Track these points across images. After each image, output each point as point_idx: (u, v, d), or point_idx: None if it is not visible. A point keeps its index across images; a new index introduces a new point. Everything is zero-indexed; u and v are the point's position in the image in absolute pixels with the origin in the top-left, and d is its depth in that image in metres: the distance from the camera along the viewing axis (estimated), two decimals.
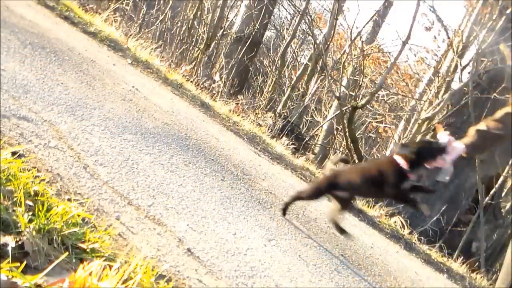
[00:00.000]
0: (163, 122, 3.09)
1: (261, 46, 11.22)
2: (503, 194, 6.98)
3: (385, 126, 10.96)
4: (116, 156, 2.15)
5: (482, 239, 5.93)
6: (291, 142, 5.66)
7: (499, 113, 3.02)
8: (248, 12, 9.40)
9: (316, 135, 10.08)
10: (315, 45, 8.40)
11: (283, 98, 9.03)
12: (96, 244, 1.37)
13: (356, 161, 6.88)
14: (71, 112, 2.33)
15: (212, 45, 8.55)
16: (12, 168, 1.45)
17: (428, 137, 6.68)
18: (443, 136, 2.92)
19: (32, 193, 1.43)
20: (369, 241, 3.50)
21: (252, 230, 2.28)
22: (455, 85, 6.97)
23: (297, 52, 12.65)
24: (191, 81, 5.29)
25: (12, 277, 1.06)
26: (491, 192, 6.04)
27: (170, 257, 1.62)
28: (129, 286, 1.24)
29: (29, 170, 1.57)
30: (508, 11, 6.09)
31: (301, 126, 9.53)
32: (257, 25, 9.27)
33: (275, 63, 10.53)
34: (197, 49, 8.42)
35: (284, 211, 2.75)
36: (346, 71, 8.93)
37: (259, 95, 9.58)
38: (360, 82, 7.97)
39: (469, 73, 6.57)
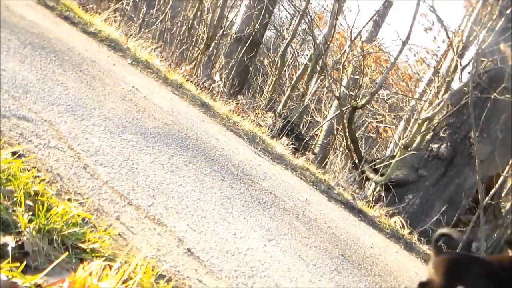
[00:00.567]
0: (163, 122, 3.09)
1: (261, 46, 11.21)
2: (503, 194, 6.98)
3: (385, 126, 10.96)
4: (116, 156, 2.15)
5: (482, 239, 5.93)
6: (291, 142, 5.66)
7: None
8: (248, 12, 9.40)
9: (316, 135, 10.07)
10: (315, 45, 8.40)
11: (283, 98, 9.02)
12: (96, 244, 1.37)
13: (356, 161, 6.88)
14: (71, 112, 2.33)
15: (212, 45, 8.54)
16: (12, 168, 1.45)
17: (428, 137, 6.69)
18: None
19: (32, 193, 1.43)
20: (369, 241, 3.50)
21: (252, 230, 2.28)
22: (455, 85, 6.98)
23: (297, 52, 12.64)
24: (191, 81, 5.29)
25: (12, 277, 1.06)
26: (491, 192, 6.04)
27: (170, 257, 1.62)
28: (129, 286, 1.24)
29: (29, 170, 1.57)
30: (508, 11, 6.09)
31: (301, 126, 9.52)
32: (257, 25, 9.27)
33: (275, 63, 10.53)
34: (197, 49, 8.42)
35: None
36: (346, 71, 8.93)
37: (259, 95, 9.58)
38: (360, 82, 7.96)
39: (469, 73, 6.57)
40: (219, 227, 2.08)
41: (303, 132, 8.41)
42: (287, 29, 12.36)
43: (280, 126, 6.09)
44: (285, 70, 10.27)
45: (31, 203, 1.37)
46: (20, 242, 1.20)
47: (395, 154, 6.60)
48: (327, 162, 8.98)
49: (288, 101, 8.72)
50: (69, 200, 1.56)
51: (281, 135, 5.82)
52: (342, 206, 4.17)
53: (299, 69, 9.85)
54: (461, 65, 6.69)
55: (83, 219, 1.47)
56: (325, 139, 10.04)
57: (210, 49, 8.55)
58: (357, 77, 8.70)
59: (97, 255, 1.34)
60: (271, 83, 9.75)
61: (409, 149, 6.43)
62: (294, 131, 6.57)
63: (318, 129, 9.89)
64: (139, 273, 1.31)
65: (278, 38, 13.78)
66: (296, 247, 2.41)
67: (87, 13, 4.96)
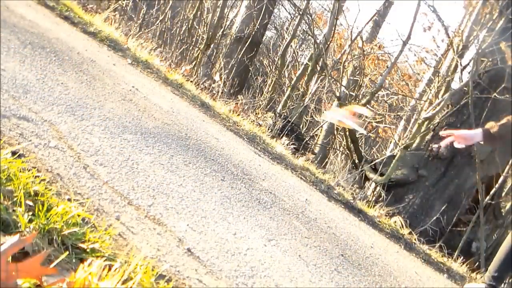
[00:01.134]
0: (163, 122, 3.09)
1: (261, 46, 11.21)
2: (503, 194, 6.98)
3: (385, 126, 10.96)
4: (116, 156, 2.15)
5: (482, 239, 5.93)
6: (291, 142, 5.66)
7: None
8: (248, 12, 9.40)
9: (316, 135, 10.07)
10: (315, 45, 8.40)
11: (283, 98, 9.02)
12: (96, 244, 1.37)
13: (356, 161, 6.88)
14: (71, 112, 2.33)
15: (212, 45, 8.54)
16: (12, 168, 1.45)
17: (428, 137, 6.69)
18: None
19: (32, 193, 1.43)
20: (369, 241, 3.50)
21: (252, 230, 2.28)
22: (455, 85, 6.98)
23: (297, 52, 12.64)
24: (191, 81, 5.29)
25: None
26: (491, 192, 6.04)
27: (170, 257, 1.62)
28: (129, 286, 1.24)
29: (29, 170, 1.57)
30: (508, 11, 6.09)
31: (301, 126, 9.52)
32: (257, 25, 9.27)
33: (275, 63, 10.53)
34: (197, 49, 8.42)
35: None
36: (346, 71, 8.92)
37: (259, 95, 9.58)
38: (360, 82, 7.97)
39: (469, 73, 6.57)
40: (219, 227, 2.08)
41: (303, 132, 8.41)
42: (287, 29, 12.36)
43: (280, 126, 6.09)
44: (285, 70, 10.27)
45: (31, 203, 1.37)
46: None
47: (395, 154, 6.60)
48: (327, 162, 8.98)
49: (288, 101, 8.72)
50: (69, 200, 1.56)
51: (281, 135, 5.83)
52: (342, 206, 4.17)
53: (299, 69, 9.85)
54: (461, 65, 6.69)
55: (83, 219, 1.47)
56: (325, 139, 10.04)
57: (210, 49, 8.55)
58: (357, 78, 8.70)
59: (97, 255, 1.34)
60: (271, 83, 9.75)
61: (409, 149, 6.43)
62: (294, 131, 6.57)
63: (318, 129, 9.89)
64: (139, 273, 1.31)
65: (278, 38, 13.78)
66: (296, 247, 2.41)
67: (87, 13, 4.97)
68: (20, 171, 1.47)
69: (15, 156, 1.60)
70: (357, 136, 7.54)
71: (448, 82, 7.07)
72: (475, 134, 3.09)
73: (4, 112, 1.90)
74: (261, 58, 12.58)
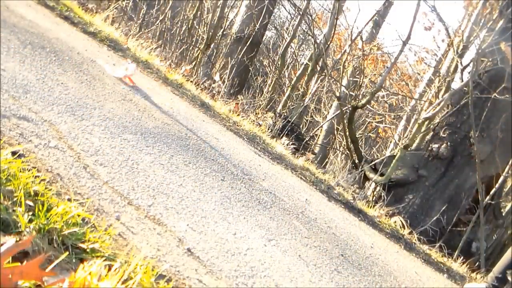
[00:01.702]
0: (163, 122, 3.09)
1: (261, 46, 11.21)
2: (503, 194, 6.98)
3: (385, 126, 10.96)
4: (116, 156, 2.15)
5: (482, 239, 5.93)
6: (291, 142, 5.66)
7: None
8: (248, 12, 9.40)
9: (316, 135, 10.08)
10: (315, 45, 8.40)
11: (283, 98, 9.02)
12: (96, 244, 1.37)
13: (356, 161, 6.88)
14: (71, 112, 2.33)
15: (212, 45, 8.54)
16: (12, 168, 1.45)
17: (428, 137, 6.69)
18: None
19: (32, 193, 1.43)
20: (369, 241, 3.50)
21: (252, 230, 2.28)
22: (455, 85, 6.98)
23: (297, 52, 12.64)
24: (191, 81, 5.29)
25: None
26: (491, 192, 6.04)
27: (170, 257, 1.62)
28: (129, 286, 1.24)
29: (29, 170, 1.57)
30: (508, 11, 6.09)
31: (301, 126, 9.52)
32: (257, 25, 9.27)
33: (275, 63, 10.53)
34: (197, 49, 8.42)
35: None
36: (346, 71, 8.93)
37: (259, 95, 9.58)
38: (360, 82, 7.97)
39: (469, 73, 6.57)
40: (219, 227, 2.08)
41: (303, 132, 8.40)
42: (287, 29, 12.36)
43: (280, 126, 6.09)
44: (285, 70, 10.27)
45: (31, 203, 1.37)
46: (20, 242, 1.20)
47: (395, 154, 6.60)
48: (327, 162, 8.98)
49: (288, 101, 8.72)
50: (69, 200, 1.56)
51: (281, 135, 5.82)
52: (342, 206, 4.17)
53: (299, 69, 9.85)
54: (461, 65, 6.69)
55: (83, 219, 1.47)
56: (325, 139, 10.05)
57: (210, 49, 8.55)
58: (357, 78, 8.70)
59: (97, 255, 1.34)
60: (271, 83, 9.75)
61: (409, 149, 6.43)
62: (294, 131, 6.57)
63: (318, 129, 9.89)
64: (139, 273, 1.31)
65: (278, 38, 13.78)
66: (296, 247, 2.41)
67: (87, 13, 4.97)
68: (20, 171, 1.47)
69: (15, 156, 1.60)
70: (357, 136, 7.55)
71: (448, 82, 7.07)
72: None
73: (4, 112, 1.90)
74: (261, 58, 12.59)
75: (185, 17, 9.46)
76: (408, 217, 5.76)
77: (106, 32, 4.60)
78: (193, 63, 7.79)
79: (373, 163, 6.78)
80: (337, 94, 7.29)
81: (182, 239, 1.78)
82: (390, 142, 10.07)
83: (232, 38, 9.64)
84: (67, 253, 1.27)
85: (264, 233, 2.32)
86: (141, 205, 1.85)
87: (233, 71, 8.46)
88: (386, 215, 4.87)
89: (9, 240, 1.08)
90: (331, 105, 10.62)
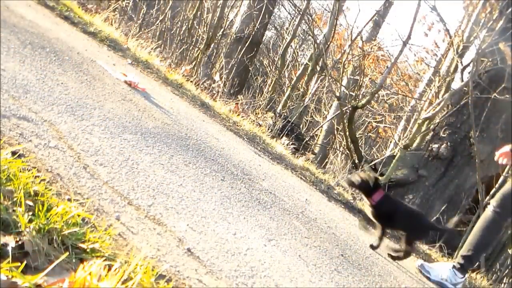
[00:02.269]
0: (163, 122, 3.09)
1: (261, 46, 11.21)
2: None
3: (385, 126, 10.96)
4: (116, 156, 2.15)
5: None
6: (291, 142, 5.66)
7: None
8: (248, 12, 9.40)
9: (316, 135, 10.08)
10: (315, 45, 8.40)
11: (283, 98, 9.02)
12: (96, 244, 1.37)
13: (356, 161, 6.88)
14: (71, 112, 2.33)
15: (212, 45, 8.54)
16: (12, 168, 1.45)
17: (428, 137, 6.69)
18: None
19: (32, 193, 1.43)
20: (369, 241, 3.50)
21: (252, 230, 2.28)
22: (455, 85, 6.98)
23: (297, 52, 12.64)
24: (191, 81, 5.29)
25: (12, 277, 1.06)
26: (491, 192, 6.04)
27: (170, 257, 1.62)
28: (129, 286, 1.24)
29: (29, 170, 1.57)
30: (508, 11, 6.09)
31: (301, 126, 9.52)
32: (257, 25, 9.27)
33: (275, 63, 10.53)
34: (197, 49, 8.42)
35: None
36: (346, 71, 8.92)
37: (259, 95, 9.57)
38: (360, 82, 7.97)
39: (469, 73, 6.57)
40: (219, 227, 2.08)
41: (303, 132, 8.41)
42: (287, 29, 12.36)
43: (280, 126, 6.09)
44: (285, 70, 10.27)
45: (31, 203, 1.37)
46: (20, 242, 1.20)
47: (395, 154, 6.60)
48: (327, 162, 8.98)
49: (288, 101, 8.72)
50: (69, 200, 1.56)
51: (281, 135, 5.82)
52: (342, 206, 4.17)
53: (299, 69, 9.85)
54: (461, 64, 6.69)
55: (83, 219, 1.47)
56: (325, 139, 10.05)
57: (210, 49, 8.55)
58: (357, 77, 8.70)
59: (97, 255, 1.34)
60: (271, 83, 9.75)
61: (409, 149, 6.43)
62: (294, 131, 6.57)
63: (318, 129, 9.89)
64: (139, 273, 1.31)
65: (278, 38, 13.78)
66: (296, 247, 2.41)
67: (87, 13, 4.97)
68: (20, 171, 1.47)
69: (15, 156, 1.60)
70: (357, 136, 7.54)
71: (448, 82, 7.07)
72: None
73: (4, 112, 1.90)
74: (261, 58, 12.59)
75: (185, 17, 9.46)
76: None
77: (106, 32, 4.60)
78: (193, 63, 7.79)
79: (373, 163, 6.78)
80: (337, 94, 7.29)
81: (182, 239, 1.78)
82: (390, 142, 10.07)
83: (232, 38, 9.64)
84: (67, 253, 1.27)
85: (264, 233, 2.32)
86: (141, 205, 1.85)
87: (233, 71, 8.46)
88: None
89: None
90: (331, 105, 10.62)
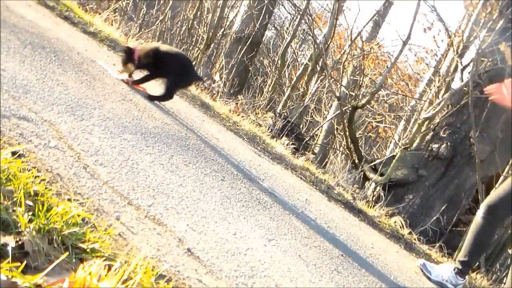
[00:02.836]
0: (163, 122, 3.09)
1: (261, 46, 11.22)
2: None
3: (385, 126, 10.96)
4: (116, 156, 2.15)
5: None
6: (291, 142, 5.66)
7: None
8: (248, 12, 9.41)
9: (316, 135, 10.08)
10: (315, 45, 8.40)
11: (283, 98, 9.03)
12: (96, 244, 1.37)
13: (356, 161, 6.88)
14: (71, 112, 2.33)
15: (212, 45, 8.54)
16: (12, 168, 1.45)
17: (428, 137, 6.69)
18: None
19: (32, 193, 1.43)
20: (369, 241, 3.50)
21: (252, 230, 2.28)
22: (455, 85, 6.97)
23: (297, 52, 12.65)
24: None
25: (12, 277, 1.06)
26: (491, 192, 6.03)
27: (170, 257, 1.62)
28: (129, 286, 1.24)
29: (29, 170, 1.57)
30: (508, 11, 6.09)
31: (301, 126, 9.52)
32: (257, 25, 9.27)
33: (275, 63, 10.53)
34: (197, 49, 8.42)
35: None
36: (346, 71, 8.92)
37: (259, 95, 9.58)
38: (360, 82, 7.97)
39: (469, 73, 6.57)
40: (219, 227, 2.08)
41: (303, 132, 8.41)
42: (287, 29, 12.36)
43: (280, 126, 6.09)
44: (285, 70, 10.27)
45: (31, 203, 1.37)
46: (20, 242, 1.20)
47: (395, 154, 6.60)
48: (327, 162, 8.98)
49: (288, 101, 8.72)
50: (69, 200, 1.56)
51: (281, 135, 5.82)
52: (342, 206, 4.17)
53: (299, 69, 9.85)
54: (461, 64, 6.69)
55: (83, 219, 1.47)
56: (325, 139, 10.04)
57: (210, 49, 8.55)
58: (357, 77, 8.70)
59: (97, 255, 1.34)
60: (271, 83, 9.75)
61: (409, 149, 6.43)
62: (294, 131, 6.57)
63: (318, 129, 9.89)
64: (139, 273, 1.31)
65: (278, 38, 13.79)
66: (296, 247, 2.41)
67: (87, 13, 4.97)
68: (20, 171, 1.47)
69: (15, 156, 1.60)
70: (357, 136, 7.55)
71: (448, 82, 7.07)
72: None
73: (4, 112, 1.90)
74: (261, 58, 12.59)
75: (185, 17, 9.46)
76: (408, 217, 5.75)
77: (106, 32, 4.60)
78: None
79: (373, 163, 6.78)
80: (337, 94, 7.29)
81: (182, 239, 1.78)
82: (390, 142, 10.07)
83: (232, 38, 9.65)
84: (67, 253, 1.27)
85: (264, 233, 2.32)
86: (141, 205, 1.86)
87: (233, 71, 8.46)
88: (386, 215, 4.87)
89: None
90: (331, 105, 10.62)
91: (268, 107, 8.31)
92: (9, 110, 1.95)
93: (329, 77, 7.73)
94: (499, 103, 3.17)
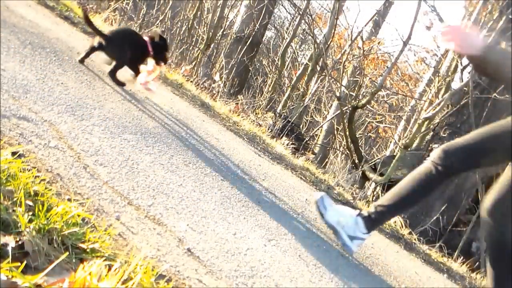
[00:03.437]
0: (163, 122, 3.09)
1: (261, 46, 11.22)
2: None
3: (385, 126, 10.96)
4: (116, 156, 2.15)
5: (482, 239, 5.92)
6: (291, 142, 5.66)
7: None
8: (248, 12, 9.41)
9: (316, 135, 10.08)
10: (315, 45, 8.40)
11: (283, 98, 9.03)
12: (96, 244, 1.37)
13: (356, 161, 6.88)
14: (71, 112, 2.33)
15: (212, 45, 8.54)
16: (12, 168, 1.45)
17: (428, 137, 6.69)
18: None
19: (32, 193, 1.43)
20: (369, 241, 3.50)
21: (252, 230, 2.28)
22: (455, 85, 6.97)
23: (297, 52, 12.65)
24: (191, 81, 5.29)
25: (12, 277, 1.06)
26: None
27: (170, 257, 1.62)
28: (129, 286, 1.24)
29: (29, 170, 1.57)
30: (508, 11, 6.09)
31: (301, 126, 9.53)
32: (257, 25, 9.27)
33: (275, 63, 10.53)
34: (197, 49, 8.42)
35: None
36: (346, 71, 8.93)
37: (259, 95, 9.58)
38: (360, 82, 7.97)
39: (469, 73, 6.57)
40: (219, 227, 2.08)
41: (303, 132, 8.41)
42: (287, 29, 12.37)
43: (280, 126, 6.09)
44: (285, 70, 10.27)
45: (31, 203, 1.37)
46: (20, 242, 1.20)
47: (395, 154, 6.60)
48: (327, 162, 8.98)
49: (288, 101, 8.73)
50: (69, 200, 1.56)
51: (281, 135, 5.83)
52: (342, 206, 4.16)
53: (299, 69, 9.85)
54: (461, 65, 6.69)
55: (83, 219, 1.47)
56: (325, 139, 10.05)
57: (210, 49, 8.55)
58: (357, 77, 8.70)
59: (97, 255, 1.34)
60: (271, 83, 9.75)
61: (409, 149, 6.43)
62: (294, 131, 6.58)
63: (318, 129, 9.90)
64: (139, 273, 1.31)
65: (278, 38, 13.79)
66: (296, 247, 2.41)
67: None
68: (20, 171, 1.47)
69: (15, 156, 1.60)
70: (357, 136, 7.55)
71: (448, 82, 7.07)
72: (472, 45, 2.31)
73: (4, 112, 1.90)
74: (261, 58, 12.59)
75: (185, 17, 9.46)
76: (408, 217, 5.75)
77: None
78: (193, 63, 7.80)
79: (373, 163, 6.78)
80: (337, 94, 7.30)
81: (182, 239, 1.78)
82: (390, 142, 10.07)
83: (232, 38, 9.65)
84: (67, 253, 1.27)
85: (264, 233, 2.32)
86: (141, 205, 1.86)
87: (233, 71, 8.46)
88: None
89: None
90: (331, 105, 10.63)
91: (268, 107, 8.32)
92: (9, 110, 1.95)
93: (329, 77, 7.73)
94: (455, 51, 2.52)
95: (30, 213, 1.32)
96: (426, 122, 6.65)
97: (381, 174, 6.38)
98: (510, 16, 6.01)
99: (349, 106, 6.96)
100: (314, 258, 2.41)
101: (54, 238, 1.29)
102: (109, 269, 1.25)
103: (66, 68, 2.97)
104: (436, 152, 2.66)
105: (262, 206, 2.69)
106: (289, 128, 6.28)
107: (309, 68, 8.86)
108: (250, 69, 10.28)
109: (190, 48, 8.71)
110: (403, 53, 8.29)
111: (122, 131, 2.48)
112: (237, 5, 10.23)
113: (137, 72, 3.44)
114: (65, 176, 1.73)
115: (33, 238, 1.22)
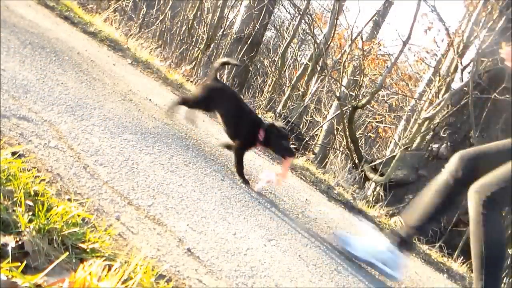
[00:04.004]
0: (163, 122, 3.09)
1: (261, 46, 11.22)
2: None
3: (385, 126, 10.96)
4: (116, 156, 2.15)
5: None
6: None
7: None
8: (248, 12, 9.40)
9: (316, 135, 10.08)
10: (315, 45, 8.40)
11: (283, 98, 9.03)
12: (96, 244, 1.37)
13: (356, 161, 6.89)
14: (71, 112, 2.33)
15: (212, 45, 8.55)
16: (12, 168, 1.45)
17: (428, 137, 6.70)
18: None
19: (32, 193, 1.43)
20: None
21: (252, 230, 2.28)
22: (455, 85, 6.98)
23: (297, 52, 12.65)
24: (191, 81, 5.29)
25: (12, 277, 1.06)
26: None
27: (170, 257, 1.62)
28: (129, 286, 1.24)
29: (29, 170, 1.57)
30: (508, 11, 6.09)
31: (301, 126, 9.53)
32: (257, 25, 9.27)
33: (275, 63, 10.53)
34: (197, 49, 8.42)
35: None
36: (346, 71, 8.93)
37: (259, 95, 9.58)
38: (360, 82, 7.97)
39: (469, 73, 6.57)
40: (219, 227, 2.08)
41: (303, 132, 8.41)
42: (287, 29, 12.37)
43: None
44: (285, 70, 10.27)
45: (31, 203, 1.37)
46: (20, 242, 1.20)
47: (395, 154, 6.60)
48: (327, 162, 8.98)
49: (288, 101, 8.73)
50: (69, 200, 1.56)
51: None
52: (342, 206, 4.17)
53: (299, 69, 9.85)
54: (461, 65, 6.69)
55: (83, 219, 1.46)
56: (325, 139, 10.05)
57: (210, 49, 8.55)
58: (357, 77, 8.70)
59: (97, 255, 1.34)
60: (271, 83, 9.75)
61: (409, 149, 6.43)
62: (294, 131, 6.58)
63: (318, 129, 9.90)
64: (139, 273, 1.31)
65: (278, 38, 13.79)
66: (296, 247, 2.41)
67: (87, 13, 4.97)
68: (20, 171, 1.47)
69: (15, 156, 1.60)
70: (357, 136, 7.55)
71: (448, 82, 7.07)
72: None
73: (4, 112, 1.90)
74: (261, 58, 12.59)
75: (185, 17, 9.46)
76: None
77: (106, 32, 4.60)
78: (193, 63, 7.79)
79: (373, 163, 6.78)
80: (337, 94, 7.30)
81: (182, 239, 1.78)
82: (390, 142, 10.07)
83: (232, 38, 9.65)
84: (67, 253, 1.27)
85: (264, 233, 2.32)
86: (141, 205, 1.85)
87: (233, 71, 8.46)
88: (386, 215, 4.87)
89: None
90: (331, 105, 10.63)
91: (268, 107, 8.32)
92: (9, 110, 1.95)
93: (329, 77, 7.73)
94: None
95: (30, 213, 1.32)
96: (426, 122, 6.66)
97: (381, 174, 6.39)
98: (510, 16, 6.01)
99: (349, 106, 6.96)
100: (314, 258, 2.41)
101: (54, 238, 1.29)
102: (109, 269, 1.24)
103: (66, 68, 2.97)
104: (452, 161, 2.71)
105: (262, 206, 2.69)
106: (289, 128, 6.28)
107: (309, 68, 8.87)
108: (250, 69, 10.28)
109: (190, 48, 8.71)
110: (403, 53, 8.30)
111: (122, 131, 2.48)
112: (237, 5, 10.22)
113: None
114: (65, 176, 1.73)
115: (33, 238, 1.22)
